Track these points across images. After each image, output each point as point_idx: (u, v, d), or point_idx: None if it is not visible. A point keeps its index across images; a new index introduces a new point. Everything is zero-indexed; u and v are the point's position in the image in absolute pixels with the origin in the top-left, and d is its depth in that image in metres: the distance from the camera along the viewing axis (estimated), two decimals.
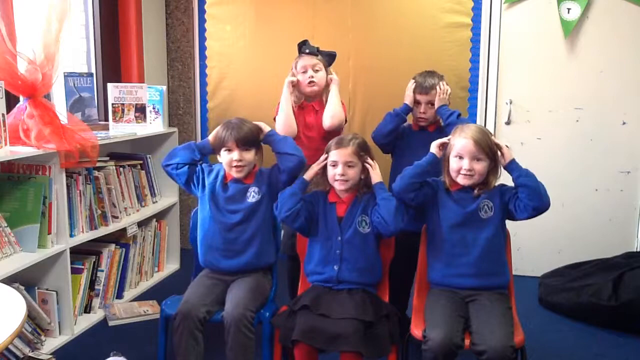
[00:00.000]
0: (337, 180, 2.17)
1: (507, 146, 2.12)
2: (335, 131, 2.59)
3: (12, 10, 2.48)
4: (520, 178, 2.06)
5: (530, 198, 2.03)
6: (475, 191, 2.12)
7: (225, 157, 2.27)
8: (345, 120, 2.68)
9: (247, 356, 2.08)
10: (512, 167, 2.09)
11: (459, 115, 2.46)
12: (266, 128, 2.33)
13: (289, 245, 2.46)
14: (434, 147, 2.15)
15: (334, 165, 2.18)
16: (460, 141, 2.09)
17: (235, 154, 2.24)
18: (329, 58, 2.67)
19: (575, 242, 3.44)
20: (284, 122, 2.56)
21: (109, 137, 2.92)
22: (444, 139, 2.16)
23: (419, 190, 2.13)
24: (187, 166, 2.32)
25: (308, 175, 2.23)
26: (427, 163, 2.13)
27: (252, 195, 2.29)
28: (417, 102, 2.52)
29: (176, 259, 3.68)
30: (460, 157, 2.09)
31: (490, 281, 2.09)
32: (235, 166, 2.26)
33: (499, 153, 2.11)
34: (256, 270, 2.29)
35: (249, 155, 2.27)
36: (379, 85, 3.51)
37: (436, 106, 2.49)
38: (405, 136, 2.56)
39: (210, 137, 2.34)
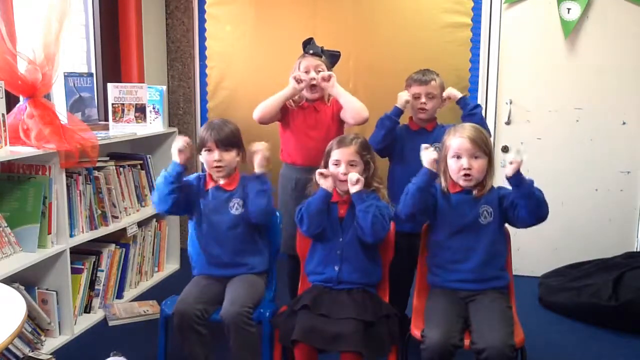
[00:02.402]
0: (340, 179, 2.17)
1: (518, 154, 2.00)
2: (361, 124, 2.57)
3: (12, 10, 2.48)
4: (524, 199, 2.00)
5: (530, 215, 2.02)
6: (475, 192, 2.11)
7: (205, 157, 2.27)
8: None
9: (253, 350, 2.09)
10: (516, 182, 2.00)
11: (481, 110, 2.52)
12: (265, 162, 2.27)
13: (290, 245, 2.46)
14: (426, 162, 2.04)
15: (336, 165, 2.18)
16: (457, 140, 2.09)
17: (215, 154, 2.24)
18: (333, 58, 2.65)
19: (575, 242, 3.44)
20: (265, 105, 2.53)
21: (109, 137, 2.92)
22: (434, 155, 2.05)
23: (427, 208, 2.11)
24: (182, 208, 2.28)
25: (329, 187, 2.16)
26: (426, 184, 2.05)
27: (236, 207, 2.28)
28: (416, 96, 2.48)
29: (176, 259, 3.68)
30: (459, 157, 2.09)
31: (490, 285, 2.09)
32: (215, 167, 2.26)
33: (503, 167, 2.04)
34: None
35: (229, 156, 2.26)
36: (380, 85, 3.50)
37: (458, 96, 2.50)
38: (403, 138, 2.53)
39: (177, 158, 2.22)
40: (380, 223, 2.10)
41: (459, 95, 2.52)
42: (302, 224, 2.18)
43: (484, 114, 3.42)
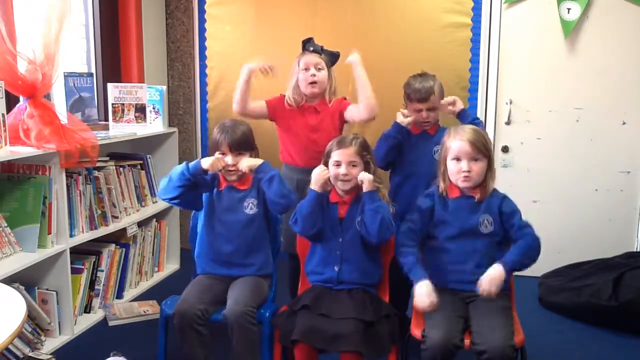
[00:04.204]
0: (340, 180, 2.17)
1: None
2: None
3: (12, 10, 2.48)
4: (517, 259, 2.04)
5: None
6: (476, 197, 2.11)
7: None
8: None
9: (254, 349, 2.09)
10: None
11: (479, 123, 2.49)
12: (255, 163, 2.22)
13: (290, 244, 2.45)
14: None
15: (337, 165, 2.18)
16: (456, 143, 2.09)
17: (229, 159, 2.23)
18: (332, 58, 2.64)
19: (575, 242, 3.44)
20: (237, 96, 2.56)
21: (109, 137, 2.92)
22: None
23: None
24: (187, 203, 2.29)
25: (320, 187, 2.17)
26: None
27: (250, 207, 2.28)
28: (417, 110, 2.48)
29: (176, 259, 3.68)
30: (458, 160, 2.09)
31: None
32: (229, 170, 2.25)
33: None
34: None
35: (243, 159, 2.26)
36: (380, 85, 3.43)
37: (457, 110, 2.50)
38: (404, 141, 2.51)
39: (207, 164, 2.19)
40: (387, 225, 2.10)
41: (460, 107, 2.52)
42: (296, 226, 2.19)
43: (484, 114, 3.45)
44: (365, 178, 2.13)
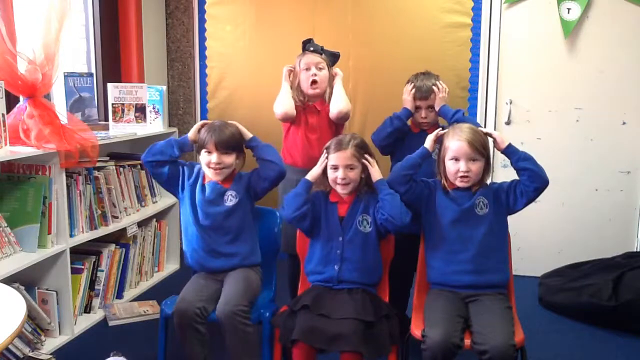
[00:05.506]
0: (338, 184, 2.18)
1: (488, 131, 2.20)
2: (341, 122, 2.61)
3: (12, 10, 2.48)
4: (520, 162, 2.11)
5: (531, 180, 2.08)
6: (473, 189, 2.14)
7: (204, 158, 2.28)
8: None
9: (250, 348, 2.09)
10: (510, 151, 2.14)
11: (463, 113, 2.49)
12: (247, 135, 2.33)
13: (290, 245, 2.46)
14: (427, 142, 2.18)
15: (334, 169, 2.18)
16: (455, 143, 2.10)
17: (214, 157, 2.24)
18: (333, 58, 2.65)
19: (575, 242, 3.44)
20: (281, 101, 2.58)
21: (109, 137, 2.92)
22: (439, 132, 2.20)
23: (411, 184, 2.15)
24: (167, 165, 2.32)
25: (311, 176, 2.23)
26: (418, 156, 2.17)
27: (230, 199, 2.29)
28: (417, 107, 2.51)
29: (176, 259, 3.68)
30: (456, 160, 2.10)
31: (489, 278, 2.09)
32: (213, 168, 2.26)
33: (492, 141, 2.16)
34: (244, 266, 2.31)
35: (229, 159, 2.27)
36: (379, 85, 3.51)
37: (437, 106, 2.49)
38: (405, 138, 2.55)
39: (190, 134, 2.34)
40: (404, 207, 2.12)
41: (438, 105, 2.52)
42: (283, 210, 2.22)
43: (484, 114, 3.45)
44: (372, 170, 2.18)
